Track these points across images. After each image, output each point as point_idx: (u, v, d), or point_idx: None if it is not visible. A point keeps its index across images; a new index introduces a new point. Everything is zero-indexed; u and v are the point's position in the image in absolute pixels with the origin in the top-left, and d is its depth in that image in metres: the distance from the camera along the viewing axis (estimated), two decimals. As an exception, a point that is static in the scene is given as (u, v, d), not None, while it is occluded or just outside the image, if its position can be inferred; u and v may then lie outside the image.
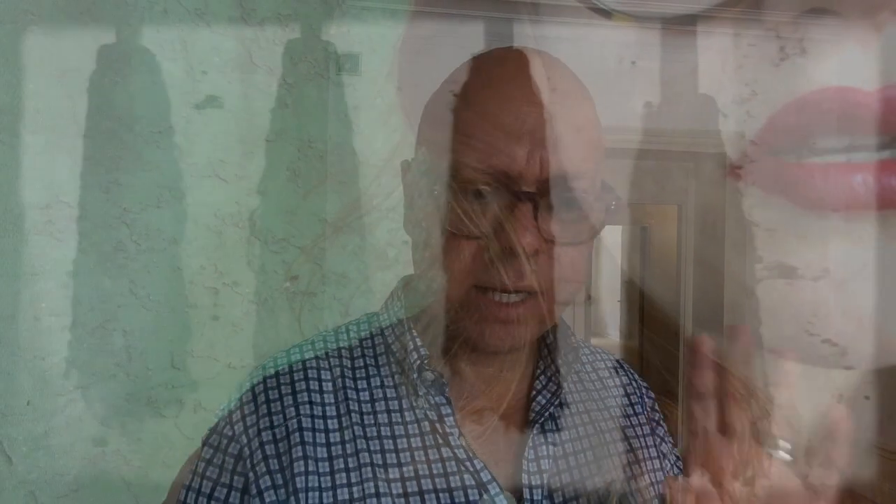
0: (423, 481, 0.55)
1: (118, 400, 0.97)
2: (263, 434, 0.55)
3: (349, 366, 0.61)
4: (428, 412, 0.58)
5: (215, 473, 0.56)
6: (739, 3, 0.60)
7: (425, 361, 0.58)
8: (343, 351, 0.62)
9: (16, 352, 0.96)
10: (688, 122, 0.65)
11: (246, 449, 0.55)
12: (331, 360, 0.61)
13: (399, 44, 0.72)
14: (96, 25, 0.99)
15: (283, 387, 0.58)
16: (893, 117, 0.58)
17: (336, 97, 1.04)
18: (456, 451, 0.57)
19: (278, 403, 0.57)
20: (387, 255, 0.99)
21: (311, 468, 0.54)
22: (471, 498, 0.55)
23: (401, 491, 0.55)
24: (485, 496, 0.56)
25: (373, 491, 0.54)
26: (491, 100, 0.57)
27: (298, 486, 0.53)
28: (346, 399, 0.58)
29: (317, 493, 0.53)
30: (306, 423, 0.56)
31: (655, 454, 0.67)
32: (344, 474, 0.55)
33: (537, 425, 0.60)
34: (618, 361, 0.71)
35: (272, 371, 0.59)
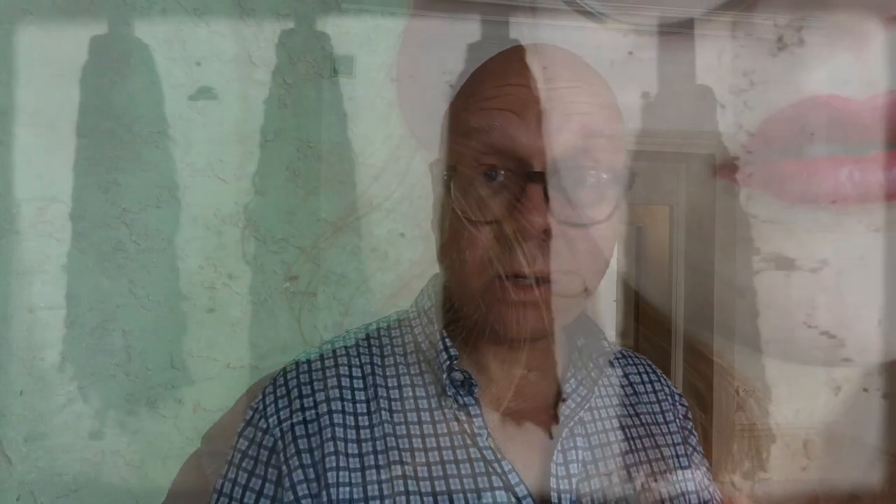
0: (451, 481, 0.55)
1: (117, 400, 0.97)
2: (296, 428, 0.57)
3: (380, 363, 0.62)
4: (457, 412, 0.59)
5: (251, 465, 0.57)
6: (735, 8, 0.60)
7: (454, 361, 0.59)
8: (374, 348, 0.63)
9: (14, 351, 0.96)
10: (685, 113, 0.64)
11: (280, 442, 0.56)
12: (361, 357, 0.62)
13: (398, 44, 0.72)
14: (95, 25, 0.99)
15: (315, 382, 0.60)
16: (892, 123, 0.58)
17: (335, 97, 1.04)
18: (484, 451, 0.57)
19: (311, 398, 0.58)
20: (387, 256, 0.99)
21: (342, 463, 0.55)
22: (498, 500, 0.55)
23: (429, 489, 0.55)
24: (523, 501, 0.56)
25: (402, 489, 0.54)
26: (497, 86, 0.58)
27: (330, 480, 0.54)
28: (377, 397, 0.59)
29: (347, 489, 0.54)
30: (337, 419, 0.57)
31: (687, 464, 0.65)
32: (374, 471, 0.55)
33: (567, 429, 0.60)
34: (650, 367, 0.70)
35: (305, 366, 0.61)
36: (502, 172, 0.55)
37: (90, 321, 0.97)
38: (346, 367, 0.60)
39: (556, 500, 0.56)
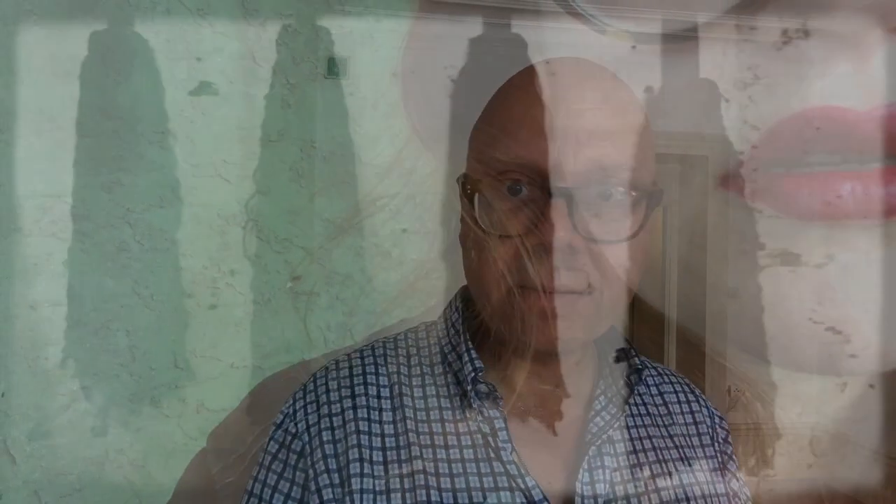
0: (473, 494, 0.55)
1: (121, 399, 0.97)
2: (324, 433, 0.57)
3: (406, 373, 0.61)
4: (481, 425, 0.58)
5: (279, 468, 0.58)
6: (737, 13, 0.60)
7: (479, 374, 0.58)
8: (402, 359, 0.62)
9: (18, 351, 0.96)
10: (689, 108, 0.65)
11: (307, 447, 0.57)
12: (389, 366, 0.62)
13: (403, 44, 0.72)
14: (98, 25, 0.99)
15: (343, 389, 0.60)
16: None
17: (338, 97, 1.04)
18: (508, 466, 0.56)
19: (338, 405, 0.59)
20: (390, 256, 0.99)
21: (366, 470, 0.55)
22: None
23: (451, 501, 0.55)
24: (489, 497, 0.56)
25: (424, 499, 0.55)
26: (523, 101, 0.57)
27: (354, 486, 0.54)
28: (402, 406, 0.59)
29: (371, 496, 0.54)
30: (363, 426, 0.57)
31: (724, 490, 0.63)
32: (398, 480, 0.55)
33: (594, 447, 0.59)
34: (688, 386, 0.68)
35: (334, 373, 0.61)
36: (526, 187, 0.55)
37: (94, 321, 0.97)
38: (374, 376, 0.60)
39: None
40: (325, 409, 0.59)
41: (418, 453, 0.56)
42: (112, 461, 0.96)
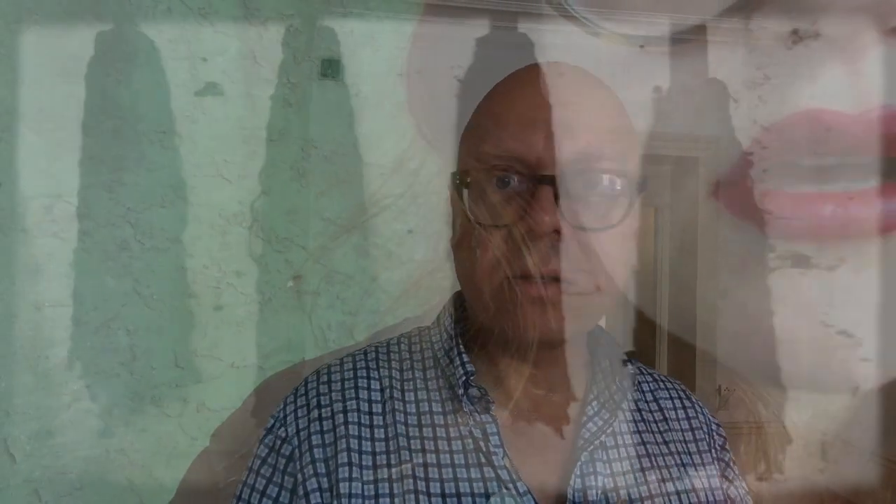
0: (463, 499, 0.55)
1: (122, 399, 0.97)
2: (314, 438, 0.58)
3: (398, 377, 0.62)
4: (473, 429, 0.58)
5: (269, 472, 0.59)
6: (732, 16, 0.61)
7: (471, 378, 0.58)
8: (394, 363, 0.63)
9: (18, 350, 0.96)
10: (697, 108, 0.65)
11: (297, 451, 0.57)
12: (381, 370, 0.62)
13: (408, 44, 0.72)
14: (99, 24, 0.99)
15: (334, 394, 0.60)
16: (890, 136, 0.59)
17: (340, 97, 1.04)
18: (499, 471, 0.57)
19: (329, 409, 0.59)
20: (393, 256, 1.00)
21: (355, 474, 0.55)
22: None
23: None
24: (493, 498, 0.56)
25: (413, 503, 0.54)
26: (510, 96, 0.59)
27: (342, 490, 0.54)
28: (394, 410, 0.59)
29: (360, 500, 0.54)
30: (353, 430, 0.58)
31: (722, 497, 0.62)
32: (386, 484, 0.55)
33: (586, 453, 0.58)
34: (684, 392, 0.68)
35: (325, 377, 0.61)
36: (515, 178, 0.56)
37: (95, 320, 0.97)
38: (365, 381, 0.61)
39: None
40: (315, 414, 0.59)
41: (409, 458, 0.56)
42: (113, 460, 0.96)
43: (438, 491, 0.55)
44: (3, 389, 0.94)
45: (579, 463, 0.58)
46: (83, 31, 0.99)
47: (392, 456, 0.57)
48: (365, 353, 0.64)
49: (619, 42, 0.64)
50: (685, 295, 0.81)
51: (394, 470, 0.56)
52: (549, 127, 0.55)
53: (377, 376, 0.62)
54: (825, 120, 0.60)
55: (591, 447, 0.59)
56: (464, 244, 0.58)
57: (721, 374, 0.81)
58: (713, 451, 0.65)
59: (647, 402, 0.66)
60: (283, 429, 0.59)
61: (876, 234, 0.61)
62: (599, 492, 0.57)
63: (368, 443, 0.57)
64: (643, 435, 0.62)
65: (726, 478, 0.65)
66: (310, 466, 0.56)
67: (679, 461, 0.62)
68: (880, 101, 0.60)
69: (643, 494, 0.58)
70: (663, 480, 0.60)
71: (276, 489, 0.57)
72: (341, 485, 0.54)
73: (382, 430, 0.58)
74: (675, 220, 0.78)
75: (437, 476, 0.56)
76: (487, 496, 0.55)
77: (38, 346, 0.95)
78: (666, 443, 0.63)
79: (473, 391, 0.59)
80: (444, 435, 0.58)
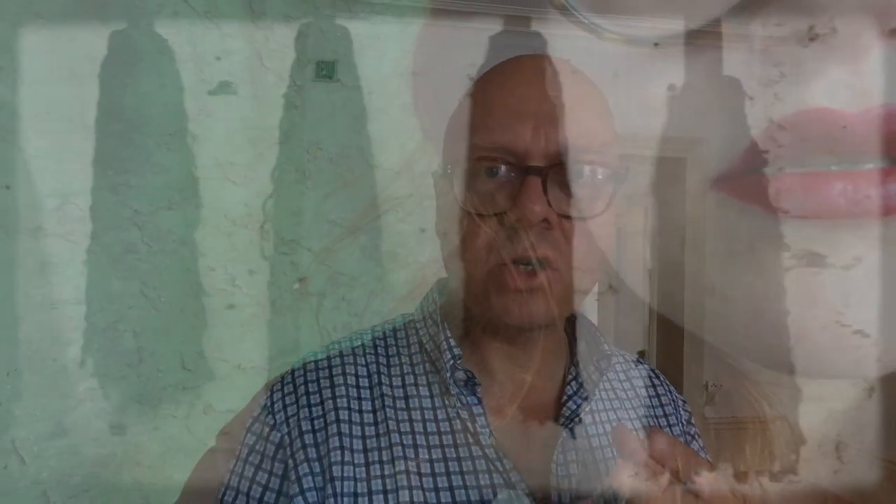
0: (453, 478, 0.57)
1: (129, 401, 0.97)
2: (303, 423, 0.58)
3: (385, 363, 0.63)
4: (460, 411, 0.60)
5: (258, 459, 0.59)
6: (731, 19, 0.61)
7: (458, 361, 0.60)
8: (379, 349, 0.64)
9: (26, 353, 0.96)
10: (712, 106, 0.65)
11: (286, 437, 0.58)
12: (367, 356, 0.63)
13: (414, 45, 0.72)
14: (105, 27, 1.00)
15: (322, 380, 0.61)
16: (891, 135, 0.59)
17: (345, 99, 1.04)
18: (486, 450, 0.58)
19: (317, 395, 0.60)
20: (397, 257, 1.00)
21: (346, 458, 0.56)
22: (499, 496, 0.57)
23: (432, 485, 0.56)
24: (500, 495, 0.57)
25: (405, 483, 0.56)
26: (499, 88, 0.61)
27: (335, 473, 0.55)
28: (382, 395, 0.61)
29: (352, 482, 0.55)
30: (343, 415, 0.58)
31: None
32: (378, 466, 0.57)
33: (567, 430, 0.61)
34: (654, 372, 0.72)
35: (312, 365, 0.62)
36: (503, 168, 0.57)
37: (102, 322, 0.98)
38: (353, 367, 0.62)
39: (556, 499, 0.58)
40: (304, 401, 0.60)
41: (398, 440, 0.58)
42: (121, 462, 0.97)
43: (428, 471, 0.57)
44: (11, 391, 0.95)
45: (561, 439, 0.61)
46: (89, 35, 0.99)
47: (382, 439, 0.58)
48: (351, 341, 0.65)
49: (617, 42, 0.64)
50: (672, 291, 0.81)
51: (384, 452, 0.57)
52: (538, 118, 0.57)
53: (364, 362, 0.63)
54: (828, 118, 0.60)
55: (572, 424, 0.62)
56: (452, 232, 0.59)
57: (726, 370, 0.81)
58: (680, 424, 0.69)
59: (620, 381, 0.69)
60: (270, 416, 0.60)
61: (885, 216, 0.61)
62: (580, 466, 0.60)
63: (358, 427, 0.58)
64: (618, 412, 0.66)
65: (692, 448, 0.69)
66: (301, 452, 0.57)
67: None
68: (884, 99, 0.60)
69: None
70: None
71: (266, 476, 0.58)
72: (334, 468, 0.56)
73: (371, 414, 0.59)
74: (665, 219, 0.79)
75: (426, 456, 0.57)
76: (476, 474, 0.57)
77: (45, 348, 0.96)
78: (639, 418, 0.67)
79: (460, 374, 0.60)
80: (431, 417, 0.60)
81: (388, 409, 0.60)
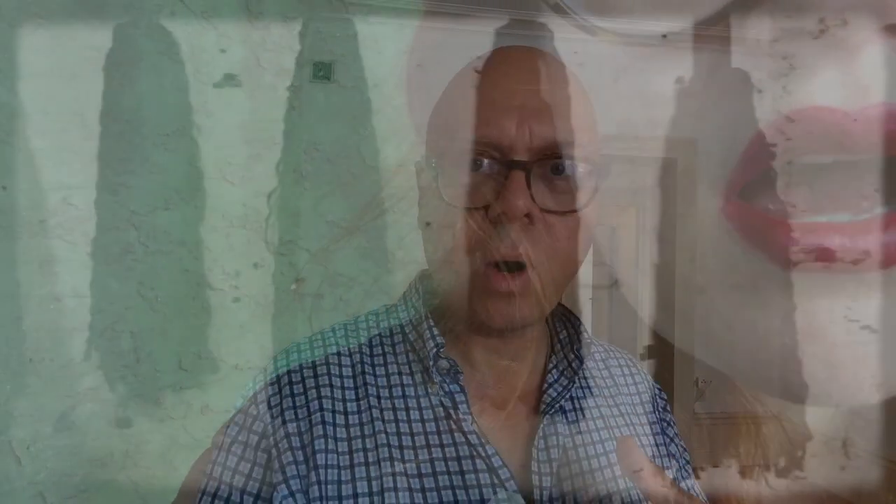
0: (436, 464, 0.58)
1: (127, 401, 0.97)
2: (286, 413, 0.58)
3: (368, 353, 0.63)
4: (443, 399, 0.61)
5: (240, 450, 0.59)
6: (725, 19, 0.61)
7: (441, 350, 0.61)
8: (363, 338, 0.65)
9: (24, 353, 0.96)
10: (719, 100, 0.65)
11: (269, 427, 0.58)
12: (350, 346, 0.64)
13: (409, 49, 0.73)
14: (103, 27, 1.00)
15: (304, 370, 0.61)
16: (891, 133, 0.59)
17: (342, 99, 1.04)
18: (469, 436, 0.59)
19: (300, 386, 0.60)
20: (394, 258, 1.00)
21: (330, 447, 0.57)
22: (482, 481, 0.57)
23: (415, 472, 0.57)
24: (499, 492, 0.57)
25: (389, 471, 0.56)
26: (484, 81, 0.61)
27: (319, 462, 0.56)
28: (365, 384, 0.61)
29: (335, 471, 0.56)
30: (327, 404, 0.59)
31: (665, 453, 0.68)
32: (361, 454, 0.57)
33: (547, 417, 0.62)
34: (631, 360, 0.73)
35: (295, 357, 0.63)
36: (486, 162, 0.57)
37: (99, 323, 0.98)
38: (336, 356, 0.62)
39: (538, 483, 0.59)
40: (286, 390, 0.60)
41: (382, 428, 0.58)
42: (117, 462, 0.97)
43: (412, 457, 0.57)
44: (8, 392, 0.95)
45: (542, 426, 0.62)
46: (87, 35, 0.99)
47: (366, 427, 0.58)
48: (333, 331, 0.66)
49: (612, 40, 0.65)
50: (664, 290, 0.82)
51: (368, 440, 0.57)
52: (523, 112, 0.57)
53: (347, 352, 0.63)
54: (824, 117, 0.60)
55: (552, 411, 0.63)
56: (434, 224, 0.60)
57: (715, 373, 0.82)
58: (657, 412, 0.71)
59: (599, 369, 0.70)
60: (253, 407, 0.60)
61: (882, 267, 0.61)
62: (560, 451, 0.61)
63: (342, 415, 0.59)
64: (597, 399, 0.67)
65: (667, 435, 0.71)
66: (284, 441, 0.57)
67: (628, 421, 0.67)
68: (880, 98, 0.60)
69: (598, 452, 0.63)
70: (614, 439, 0.65)
71: (249, 465, 0.58)
72: (318, 456, 0.56)
73: (355, 402, 0.60)
74: (656, 219, 0.79)
75: (410, 444, 0.58)
76: (459, 460, 0.58)
77: (42, 348, 0.96)
78: (617, 405, 0.68)
79: (443, 362, 0.61)
80: (415, 405, 0.60)
81: (371, 398, 0.60)
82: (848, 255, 0.60)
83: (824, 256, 0.61)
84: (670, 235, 0.74)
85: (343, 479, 0.56)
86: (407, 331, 0.64)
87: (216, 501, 0.58)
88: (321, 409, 0.58)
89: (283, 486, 0.55)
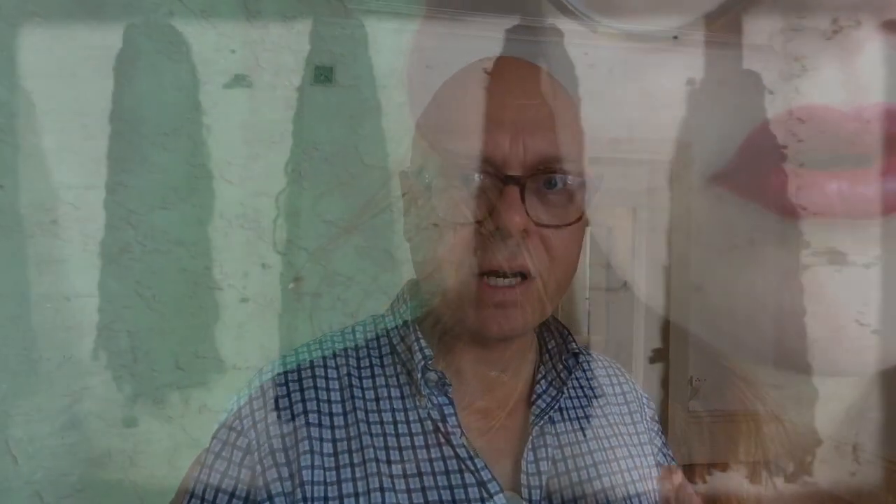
0: (425, 478, 0.57)
1: (123, 401, 0.97)
2: (271, 429, 0.57)
3: (355, 365, 0.63)
4: (431, 412, 0.60)
5: (223, 466, 0.57)
6: (722, 17, 0.61)
7: (429, 362, 0.60)
8: (349, 351, 0.64)
9: (20, 352, 0.96)
10: (732, 101, 0.65)
11: (254, 443, 0.57)
12: (337, 359, 0.63)
13: (408, 51, 0.73)
14: (101, 27, 1.00)
15: (290, 384, 0.60)
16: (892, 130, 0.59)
17: (341, 99, 1.04)
18: (457, 450, 0.59)
19: (286, 400, 0.59)
20: (393, 257, 1.00)
21: (317, 462, 0.56)
22: (471, 496, 0.56)
23: (404, 487, 0.56)
24: (495, 498, 0.57)
25: (377, 485, 0.56)
26: (475, 94, 0.60)
27: (305, 478, 0.55)
28: (353, 397, 0.60)
29: (322, 487, 0.55)
30: (313, 419, 0.58)
31: (653, 462, 0.68)
32: (349, 469, 0.56)
33: (536, 428, 0.62)
34: (619, 370, 0.73)
35: (280, 369, 0.61)
36: (480, 177, 0.57)
37: (96, 322, 0.98)
38: (322, 369, 0.61)
39: (527, 496, 0.58)
40: (271, 405, 0.59)
41: (369, 443, 0.57)
42: (114, 462, 0.96)
43: (400, 472, 0.57)
44: (5, 391, 0.95)
45: (531, 437, 0.61)
46: (85, 35, 0.99)
47: (353, 441, 0.57)
48: (320, 343, 0.65)
49: (613, 37, 0.64)
50: (657, 290, 0.82)
51: (355, 455, 0.57)
52: (516, 127, 0.57)
53: (334, 364, 0.62)
54: (822, 115, 0.60)
55: (541, 422, 0.62)
56: (426, 239, 0.59)
57: (718, 369, 0.82)
58: (644, 421, 0.71)
59: (588, 378, 0.70)
60: (237, 421, 0.59)
61: (884, 214, 0.61)
62: (549, 462, 0.61)
63: (328, 430, 0.58)
64: (585, 409, 0.67)
65: (654, 444, 0.71)
66: (269, 457, 0.56)
67: (617, 431, 0.67)
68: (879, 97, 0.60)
69: (587, 463, 0.63)
70: (603, 449, 0.65)
71: (233, 483, 0.57)
72: (304, 472, 0.55)
73: (342, 417, 0.59)
74: (652, 219, 0.79)
75: (398, 458, 0.57)
76: (448, 475, 0.57)
77: (38, 347, 0.96)
78: (605, 415, 0.68)
79: (431, 375, 0.60)
80: (403, 419, 0.60)
81: (358, 412, 0.59)
82: (848, 204, 0.60)
83: (823, 205, 0.61)
84: (677, 236, 0.75)
85: (330, 495, 0.55)
86: (395, 342, 0.64)
87: None
88: (307, 423, 0.57)
89: (268, 503, 0.54)
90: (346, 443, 0.57)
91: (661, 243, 0.77)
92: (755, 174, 0.64)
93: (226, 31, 1.02)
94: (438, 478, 0.57)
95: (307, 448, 0.56)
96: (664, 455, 0.71)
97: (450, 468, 0.57)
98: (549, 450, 0.61)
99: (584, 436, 0.65)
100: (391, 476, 0.56)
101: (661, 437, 0.73)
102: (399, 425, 0.59)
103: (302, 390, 0.59)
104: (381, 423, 0.59)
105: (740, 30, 0.61)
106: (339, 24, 1.04)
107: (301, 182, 1.04)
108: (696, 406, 0.82)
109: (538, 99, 0.59)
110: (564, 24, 0.66)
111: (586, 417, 0.66)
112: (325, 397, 0.60)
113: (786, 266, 0.64)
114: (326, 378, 0.61)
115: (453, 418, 0.60)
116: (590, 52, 0.64)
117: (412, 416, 0.60)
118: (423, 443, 0.59)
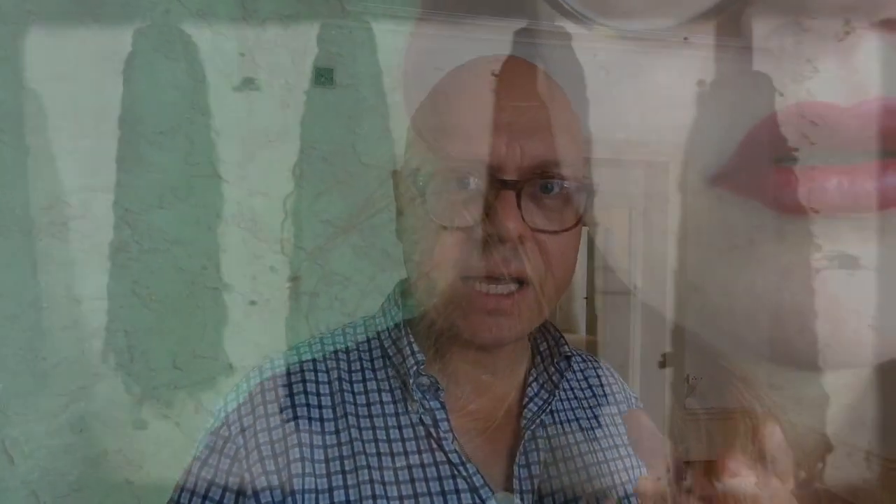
0: (417, 484, 0.56)
1: (120, 400, 0.97)
2: (260, 435, 0.56)
3: (346, 369, 0.61)
4: (423, 416, 0.59)
5: (210, 474, 0.56)
6: (719, 15, 0.61)
7: (421, 367, 0.59)
8: (340, 354, 0.62)
9: (17, 352, 0.96)
10: (739, 103, 0.65)
11: (242, 450, 0.55)
12: (328, 363, 0.61)
13: (406, 50, 0.73)
14: (98, 26, 1.00)
15: (280, 389, 0.59)
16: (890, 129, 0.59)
17: (338, 98, 1.04)
18: (450, 455, 0.58)
19: (275, 405, 0.57)
20: (389, 257, 1.00)
21: (307, 470, 0.55)
22: (464, 502, 0.56)
23: (396, 494, 0.55)
24: (487, 503, 0.57)
25: (369, 493, 0.55)
26: (471, 96, 0.59)
27: (295, 487, 0.54)
28: (343, 402, 0.59)
29: (313, 495, 0.54)
30: (303, 425, 0.57)
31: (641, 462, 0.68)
32: (340, 476, 0.55)
33: (528, 432, 0.61)
34: (609, 371, 0.73)
35: (269, 374, 0.60)
36: (475, 181, 0.56)
37: (93, 321, 0.98)
38: (312, 373, 0.60)
39: (519, 500, 0.58)
40: (260, 411, 0.57)
41: (361, 449, 0.56)
42: (111, 461, 0.96)
43: (392, 479, 0.56)
44: (1, 391, 0.95)
45: (523, 441, 0.61)
46: (82, 35, 0.99)
47: (344, 448, 0.56)
48: (310, 346, 0.64)
49: (610, 36, 0.64)
50: (656, 290, 0.82)
51: (346, 462, 0.56)
52: (512, 130, 0.56)
53: (324, 368, 0.61)
54: (820, 112, 0.60)
55: (534, 426, 0.62)
56: (419, 241, 0.58)
57: (716, 369, 0.82)
58: None
59: (578, 380, 0.70)
60: (225, 428, 0.56)
61: (882, 209, 0.61)
62: (541, 466, 0.61)
63: (319, 436, 0.56)
64: (576, 411, 0.67)
65: None
66: (258, 465, 0.54)
67: (608, 432, 0.67)
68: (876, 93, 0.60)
69: (579, 465, 0.63)
70: (595, 451, 0.65)
71: (220, 491, 0.55)
72: (294, 480, 0.54)
73: (332, 422, 0.57)
74: (648, 221, 0.79)
75: (390, 464, 0.56)
76: (440, 480, 0.56)
77: (35, 347, 0.96)
78: (596, 417, 0.68)
79: (423, 379, 0.59)
80: (394, 424, 0.59)
81: (350, 417, 0.58)
82: (847, 199, 0.60)
83: (822, 200, 0.61)
84: (664, 236, 0.75)
85: (321, 503, 0.54)
86: (386, 345, 0.63)
87: None
88: (297, 430, 0.56)
89: None
90: (337, 449, 0.56)
91: (661, 244, 0.77)
92: (755, 171, 0.64)
93: (223, 31, 1.02)
94: (431, 484, 0.56)
95: (298, 455, 0.55)
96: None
97: (442, 474, 0.57)
98: (541, 453, 0.61)
99: (576, 438, 0.65)
100: (383, 483, 0.55)
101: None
102: (391, 430, 0.58)
103: (292, 395, 0.58)
104: (373, 428, 0.58)
105: (739, 31, 0.61)
106: (337, 24, 1.04)
107: (298, 181, 1.04)
108: (693, 404, 0.82)
109: (536, 101, 0.58)
110: (563, 26, 0.66)
111: (577, 420, 0.66)
112: (316, 402, 0.58)
113: (786, 264, 0.64)
114: (317, 382, 0.60)
115: (445, 423, 0.59)
116: (599, 55, 0.63)
117: (404, 420, 0.59)
118: (415, 448, 0.58)
